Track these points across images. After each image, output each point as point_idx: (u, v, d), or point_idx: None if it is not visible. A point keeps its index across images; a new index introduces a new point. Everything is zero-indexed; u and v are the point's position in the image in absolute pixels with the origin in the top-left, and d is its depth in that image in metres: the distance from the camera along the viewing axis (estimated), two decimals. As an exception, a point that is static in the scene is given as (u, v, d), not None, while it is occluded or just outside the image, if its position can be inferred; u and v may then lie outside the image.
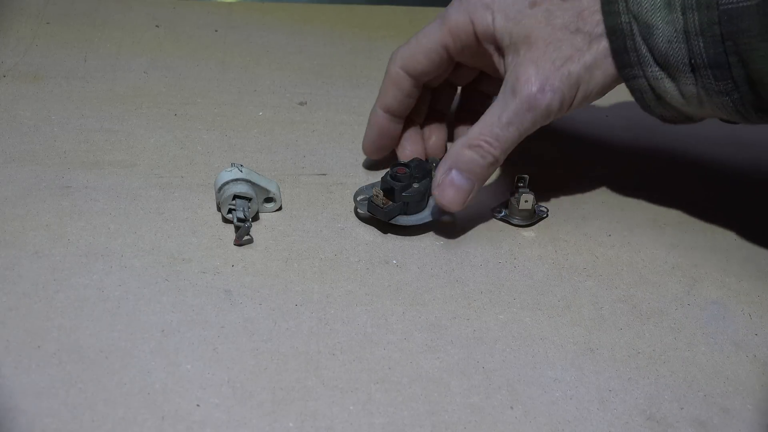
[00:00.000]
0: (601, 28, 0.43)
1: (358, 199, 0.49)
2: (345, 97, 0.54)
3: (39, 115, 0.56)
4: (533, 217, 0.50)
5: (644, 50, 0.42)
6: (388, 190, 0.47)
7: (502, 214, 0.50)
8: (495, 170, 0.46)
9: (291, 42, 0.67)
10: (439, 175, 0.45)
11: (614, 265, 0.48)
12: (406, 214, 0.48)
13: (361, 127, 0.58)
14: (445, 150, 0.53)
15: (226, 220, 0.47)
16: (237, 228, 0.46)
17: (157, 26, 0.68)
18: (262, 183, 0.48)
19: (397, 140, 0.52)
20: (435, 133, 0.53)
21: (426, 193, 0.48)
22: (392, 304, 0.44)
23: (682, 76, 0.42)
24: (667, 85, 0.43)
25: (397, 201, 0.47)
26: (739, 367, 0.42)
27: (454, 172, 0.45)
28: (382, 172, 0.50)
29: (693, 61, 0.41)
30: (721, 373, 0.41)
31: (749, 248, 0.50)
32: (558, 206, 0.52)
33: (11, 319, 0.40)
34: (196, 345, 0.40)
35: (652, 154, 0.58)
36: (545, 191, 0.52)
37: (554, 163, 0.56)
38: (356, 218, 0.49)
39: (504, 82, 0.45)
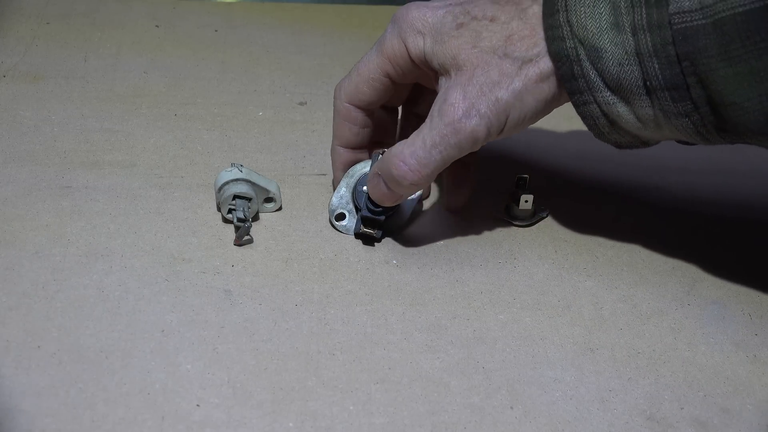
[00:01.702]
0: (531, 53, 0.42)
1: (335, 221, 0.48)
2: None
3: (39, 115, 0.56)
4: (533, 217, 0.50)
5: (593, 75, 0.41)
6: (368, 220, 0.47)
7: (502, 214, 0.50)
8: (419, 189, 0.45)
9: (291, 42, 0.67)
10: (371, 173, 0.46)
11: (614, 265, 0.48)
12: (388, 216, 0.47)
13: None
14: None
15: (226, 220, 0.47)
16: (237, 228, 0.46)
17: (157, 26, 0.68)
18: (262, 183, 0.48)
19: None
20: None
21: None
22: (392, 304, 0.44)
23: (636, 99, 0.41)
24: (621, 110, 0.41)
25: (384, 222, 0.47)
26: (739, 367, 0.42)
27: (381, 180, 0.45)
28: None
29: (648, 83, 0.40)
30: (721, 373, 0.41)
31: (749, 248, 0.50)
32: (558, 206, 0.52)
33: (11, 319, 0.40)
34: (196, 345, 0.40)
35: (653, 153, 0.58)
36: (545, 191, 0.52)
37: (554, 164, 0.56)
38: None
39: (434, 103, 0.44)
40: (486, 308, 0.44)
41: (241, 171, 0.47)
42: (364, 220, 0.47)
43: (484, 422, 0.38)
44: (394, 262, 0.46)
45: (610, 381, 0.40)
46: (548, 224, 0.50)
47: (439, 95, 0.43)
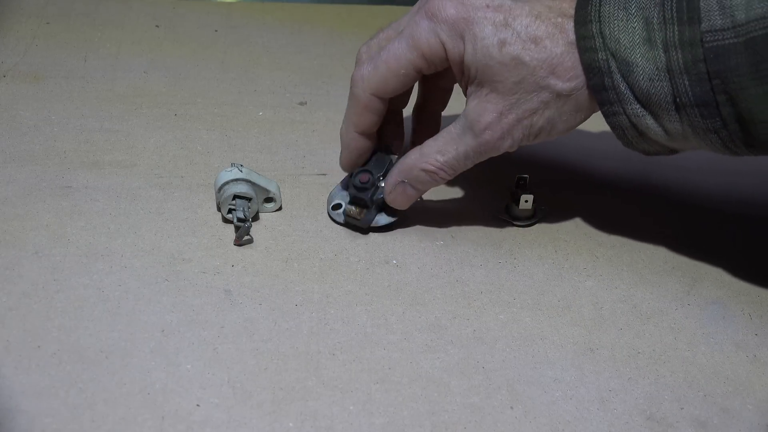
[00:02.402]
0: (571, 85, 0.42)
1: (332, 209, 0.49)
2: (345, 97, 0.54)
3: (39, 115, 0.56)
4: (533, 217, 0.50)
5: (623, 88, 0.41)
6: (358, 201, 0.47)
7: (502, 214, 0.50)
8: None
9: (291, 42, 0.67)
10: (391, 182, 0.47)
11: (614, 265, 0.48)
12: (383, 210, 0.48)
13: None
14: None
15: (226, 220, 0.47)
16: (237, 228, 0.46)
17: (157, 26, 0.68)
18: (262, 183, 0.48)
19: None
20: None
21: None
22: (392, 304, 0.44)
23: (665, 114, 0.41)
24: (650, 123, 0.42)
25: (371, 206, 0.47)
26: (739, 367, 0.42)
27: (408, 185, 0.46)
28: None
29: (678, 99, 0.40)
30: (721, 373, 0.41)
31: (749, 248, 0.50)
32: (558, 206, 0.52)
33: (11, 319, 0.40)
34: (196, 345, 0.40)
35: (652, 154, 0.58)
36: (545, 191, 0.52)
37: (554, 164, 0.56)
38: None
39: (465, 113, 0.44)
40: (486, 308, 0.44)
41: (241, 171, 0.47)
42: (353, 199, 0.47)
43: (484, 422, 0.38)
44: (394, 262, 0.46)
45: (610, 381, 0.40)
46: (548, 224, 0.50)
47: (471, 106, 0.44)
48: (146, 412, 0.36)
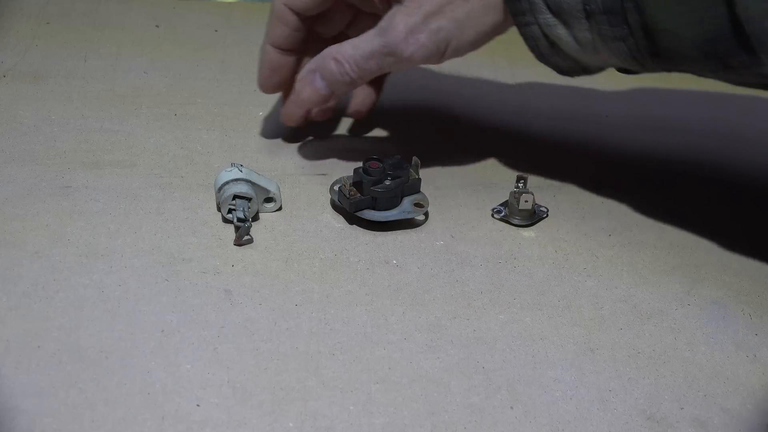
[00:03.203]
0: None
1: (334, 188, 0.49)
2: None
3: (39, 115, 0.56)
4: (533, 217, 0.50)
5: None
6: (357, 183, 0.48)
7: (502, 214, 0.50)
8: (352, 89, 0.49)
9: (291, 42, 0.67)
10: (303, 71, 0.48)
11: (614, 265, 0.48)
12: (374, 209, 0.48)
13: (362, 128, 0.58)
14: None
15: (226, 220, 0.47)
16: (237, 228, 0.46)
17: (157, 26, 0.68)
18: (262, 183, 0.48)
19: (292, 76, 0.52)
20: None
21: (398, 192, 0.48)
22: (392, 304, 0.44)
23: (576, 23, 0.42)
24: (561, 32, 0.43)
25: (365, 194, 0.47)
26: (739, 367, 0.42)
27: (317, 75, 0.47)
28: None
29: (587, 7, 0.41)
30: (721, 373, 0.41)
31: (749, 248, 0.50)
32: (558, 206, 0.52)
33: (11, 319, 0.40)
34: (196, 345, 0.40)
35: (653, 154, 0.58)
36: (545, 191, 0.52)
37: (554, 163, 0.56)
38: (351, 217, 0.49)
39: (382, 19, 0.46)
40: (486, 308, 0.44)
41: (241, 171, 0.47)
42: (354, 177, 0.48)
43: (484, 422, 0.38)
44: (394, 262, 0.46)
45: (610, 381, 0.40)
46: (548, 224, 0.50)
47: (388, 14, 0.45)
48: (146, 412, 0.36)
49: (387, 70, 0.47)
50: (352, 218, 0.49)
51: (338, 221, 0.49)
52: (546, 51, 0.44)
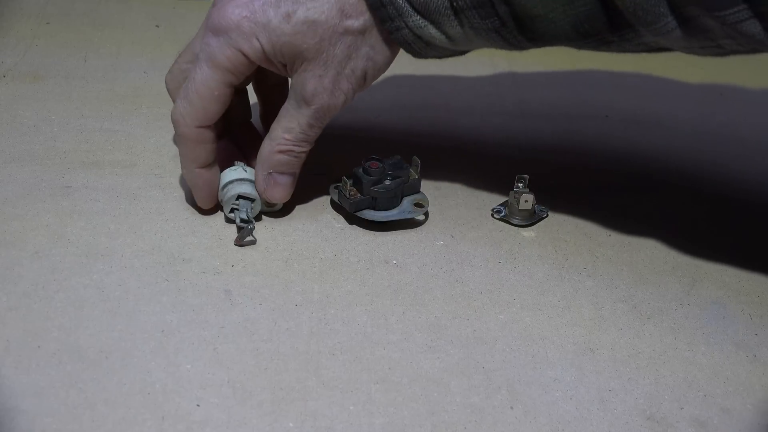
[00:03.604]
0: (364, 17, 0.43)
1: (334, 188, 0.49)
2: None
3: (39, 115, 0.56)
4: (533, 217, 0.50)
5: (401, 1, 0.42)
6: (357, 183, 0.48)
7: (502, 214, 0.50)
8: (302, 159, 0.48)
9: (291, 42, 0.67)
10: (261, 179, 0.47)
11: (614, 265, 0.48)
12: (374, 209, 0.48)
13: (362, 127, 0.58)
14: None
15: (228, 220, 0.47)
16: (239, 228, 0.46)
17: (157, 26, 0.68)
18: None
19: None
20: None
21: (399, 192, 0.49)
22: (392, 304, 0.44)
23: (446, 21, 0.42)
24: (432, 32, 0.43)
25: (365, 194, 0.47)
26: (739, 367, 0.42)
27: (275, 175, 0.46)
28: None
29: (455, 4, 0.41)
30: (721, 373, 0.41)
31: (749, 248, 0.50)
32: (558, 206, 0.52)
33: (11, 319, 0.40)
34: (196, 345, 0.40)
35: (652, 154, 0.58)
36: (545, 191, 0.52)
37: (554, 163, 0.56)
38: (351, 217, 0.49)
39: (292, 90, 0.45)
40: (486, 308, 0.44)
41: (245, 171, 0.47)
42: (354, 176, 0.48)
43: (484, 422, 0.38)
44: (394, 262, 0.46)
45: (610, 381, 0.40)
46: (548, 224, 0.50)
47: (295, 83, 0.44)
48: (146, 412, 0.36)
49: (325, 123, 0.46)
50: (352, 218, 0.49)
51: (338, 221, 0.49)
52: (421, 50, 0.44)
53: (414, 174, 0.49)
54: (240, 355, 0.40)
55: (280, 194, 0.47)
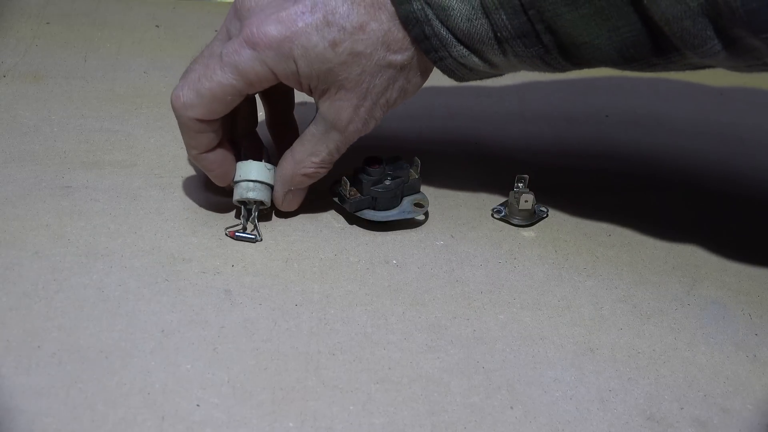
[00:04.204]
0: (407, 53, 0.43)
1: (334, 188, 0.49)
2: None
3: (39, 115, 0.56)
4: (533, 217, 0.50)
5: (444, 32, 0.42)
6: (356, 182, 0.48)
7: (502, 214, 0.50)
8: None
9: (291, 42, 0.67)
10: (279, 195, 0.47)
11: (614, 265, 0.48)
12: (374, 209, 0.48)
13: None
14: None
15: (237, 205, 0.47)
16: (247, 216, 0.46)
17: (157, 26, 0.68)
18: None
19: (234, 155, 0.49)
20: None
21: (399, 192, 0.49)
22: (392, 304, 0.43)
23: (489, 50, 0.42)
24: (476, 60, 0.43)
25: (365, 194, 0.47)
26: (739, 367, 0.42)
27: (294, 191, 0.47)
28: None
29: (498, 34, 0.41)
30: (721, 373, 0.41)
31: (749, 248, 0.50)
32: (558, 206, 0.52)
33: (11, 319, 0.40)
34: (196, 345, 0.40)
35: (653, 154, 0.58)
36: (545, 191, 0.52)
37: (554, 163, 0.56)
38: (351, 216, 0.49)
39: (322, 114, 0.44)
40: (486, 308, 0.44)
41: (268, 170, 0.47)
42: (354, 177, 0.48)
43: (484, 422, 0.38)
44: (394, 262, 0.46)
45: (610, 381, 0.40)
46: (548, 224, 0.50)
47: (325, 108, 0.44)
48: (146, 412, 0.36)
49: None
50: (352, 218, 0.49)
51: (338, 221, 0.49)
52: (466, 75, 0.45)
53: (414, 174, 0.49)
54: (240, 355, 0.40)
55: (295, 205, 0.48)
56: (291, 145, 0.47)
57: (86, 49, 0.64)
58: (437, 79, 0.65)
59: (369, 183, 0.47)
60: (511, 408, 0.38)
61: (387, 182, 0.48)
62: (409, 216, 0.48)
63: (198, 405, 0.37)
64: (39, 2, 0.69)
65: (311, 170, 0.46)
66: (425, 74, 0.45)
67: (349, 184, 0.48)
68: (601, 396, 0.39)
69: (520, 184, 0.50)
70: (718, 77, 0.69)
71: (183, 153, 0.53)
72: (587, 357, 0.41)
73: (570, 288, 0.46)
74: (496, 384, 0.40)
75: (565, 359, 0.41)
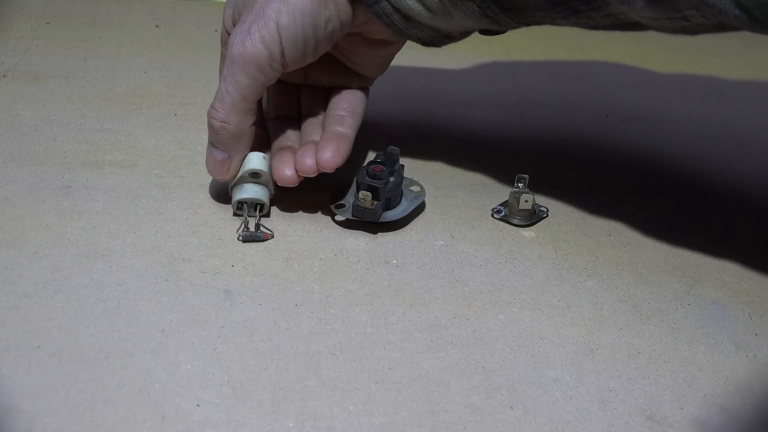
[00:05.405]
0: None
1: (333, 207, 0.48)
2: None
3: (39, 115, 0.56)
4: (533, 217, 0.50)
5: None
6: (372, 191, 0.47)
7: (502, 214, 0.50)
8: (241, 135, 0.45)
9: (291, 42, 0.67)
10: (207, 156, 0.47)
11: (614, 265, 0.48)
12: (388, 209, 0.48)
13: (361, 129, 0.58)
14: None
15: (237, 207, 0.47)
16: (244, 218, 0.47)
17: (157, 26, 0.68)
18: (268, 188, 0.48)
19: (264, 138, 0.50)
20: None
21: (401, 185, 0.49)
22: (392, 304, 0.44)
23: None
24: (410, 2, 0.43)
25: (381, 199, 0.47)
26: (739, 367, 0.42)
27: (211, 147, 0.46)
28: None
29: None
30: (721, 373, 0.41)
31: (749, 248, 0.50)
32: (558, 206, 0.52)
33: (11, 319, 0.40)
34: (196, 345, 0.40)
35: (653, 154, 0.58)
36: (545, 191, 0.52)
37: (554, 163, 0.56)
38: (377, 227, 0.49)
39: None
40: (486, 308, 0.44)
41: (265, 159, 0.47)
42: (367, 187, 0.47)
43: (484, 422, 0.38)
44: (394, 262, 0.46)
45: (610, 381, 0.40)
46: (548, 224, 0.50)
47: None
48: (146, 412, 0.36)
49: (247, 90, 0.44)
50: (375, 228, 0.48)
51: (338, 221, 0.49)
52: (402, 25, 0.44)
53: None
54: (240, 355, 0.40)
55: (211, 167, 0.46)
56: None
57: (86, 49, 0.64)
58: (437, 79, 0.65)
59: (383, 187, 0.47)
60: (511, 408, 0.38)
61: (391, 179, 0.48)
62: (418, 201, 0.49)
63: (198, 405, 0.37)
64: (39, 2, 0.69)
65: (208, 116, 0.44)
66: (329, 5, 0.43)
67: (370, 196, 0.47)
68: (601, 396, 0.39)
69: (520, 184, 0.50)
70: (718, 75, 0.69)
71: (183, 153, 0.53)
72: (587, 357, 0.42)
73: (570, 288, 0.46)
74: (496, 384, 0.40)
75: (565, 359, 0.41)
